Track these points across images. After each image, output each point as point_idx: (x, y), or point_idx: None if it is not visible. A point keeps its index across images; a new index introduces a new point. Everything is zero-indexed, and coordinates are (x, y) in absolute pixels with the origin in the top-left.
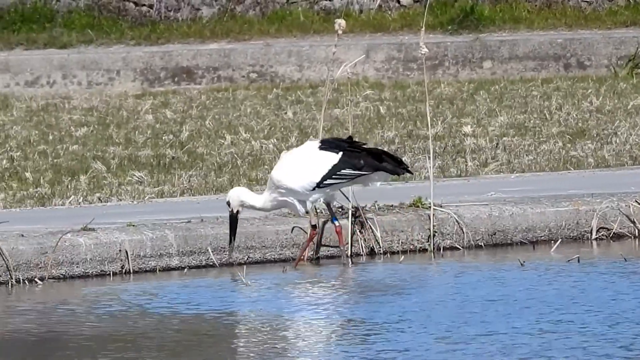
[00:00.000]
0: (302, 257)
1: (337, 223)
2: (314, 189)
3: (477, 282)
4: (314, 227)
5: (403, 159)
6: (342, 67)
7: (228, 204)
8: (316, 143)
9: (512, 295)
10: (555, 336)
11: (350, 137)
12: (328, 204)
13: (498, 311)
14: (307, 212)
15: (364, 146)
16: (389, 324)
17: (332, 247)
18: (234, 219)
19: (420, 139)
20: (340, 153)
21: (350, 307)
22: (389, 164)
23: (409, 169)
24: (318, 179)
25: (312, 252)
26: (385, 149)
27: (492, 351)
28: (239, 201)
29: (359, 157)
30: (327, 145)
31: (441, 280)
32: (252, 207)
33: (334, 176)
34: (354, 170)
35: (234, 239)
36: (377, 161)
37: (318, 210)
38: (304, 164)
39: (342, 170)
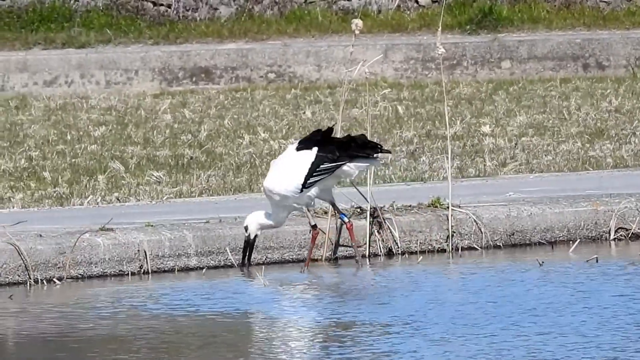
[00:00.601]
0: (310, 259)
1: (346, 219)
2: (301, 190)
3: (494, 283)
4: (313, 227)
5: (373, 142)
6: (359, 66)
7: (246, 229)
8: (294, 145)
9: (528, 295)
10: (570, 339)
11: (328, 130)
12: (331, 203)
13: (509, 311)
14: (307, 211)
15: (336, 137)
16: (398, 325)
17: (350, 247)
18: (250, 244)
19: (439, 139)
20: (315, 149)
21: (365, 308)
22: (360, 150)
23: (384, 149)
24: (302, 180)
25: (330, 252)
26: (403, 149)
27: (496, 351)
28: (257, 225)
29: (333, 150)
30: (303, 144)
31: (457, 281)
32: (271, 227)
33: (315, 173)
34: (331, 162)
35: (249, 260)
36: (350, 149)
37: (336, 211)
38: (287, 168)
39: (321, 165)
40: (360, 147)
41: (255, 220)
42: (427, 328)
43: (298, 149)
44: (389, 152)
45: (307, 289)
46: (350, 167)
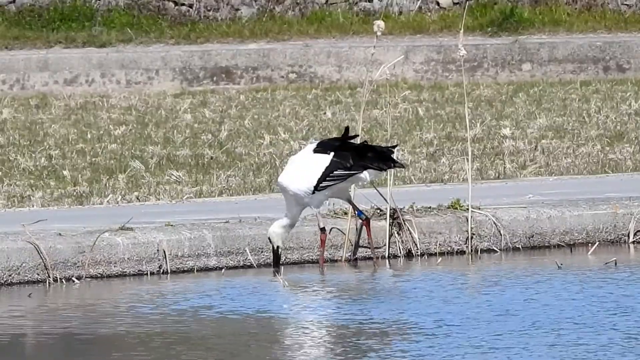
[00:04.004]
0: (324, 260)
1: (363, 217)
2: (313, 192)
3: (510, 286)
4: (322, 230)
5: (392, 151)
6: (381, 68)
7: (269, 240)
8: (313, 146)
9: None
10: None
11: (345, 134)
12: (348, 201)
13: (526, 315)
14: (318, 213)
15: (353, 144)
16: (416, 327)
17: (369, 247)
18: (276, 255)
19: (459, 140)
20: (332, 154)
21: (383, 309)
22: (375, 161)
23: (398, 162)
24: (315, 182)
25: (349, 253)
26: (423, 151)
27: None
28: (278, 236)
29: (348, 157)
30: (321, 147)
31: (475, 283)
32: (288, 228)
33: (327, 178)
34: (344, 170)
35: (277, 268)
36: (364, 159)
37: (354, 209)
38: (302, 168)
39: (335, 172)
40: (374, 159)
41: (274, 231)
42: (447, 329)
43: (315, 150)
44: (402, 166)
45: (325, 289)
46: (364, 175)
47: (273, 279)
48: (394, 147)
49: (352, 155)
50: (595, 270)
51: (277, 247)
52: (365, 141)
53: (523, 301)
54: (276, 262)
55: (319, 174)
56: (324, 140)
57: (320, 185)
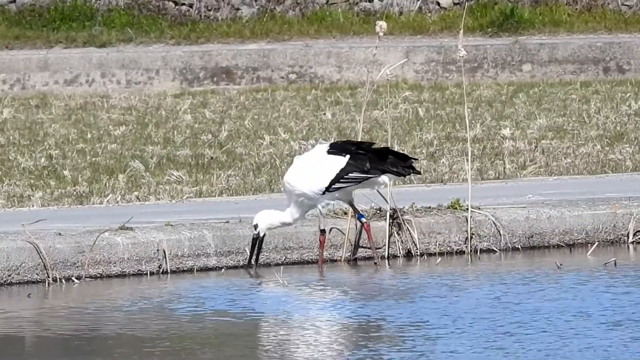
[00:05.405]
0: (323, 261)
1: (363, 220)
2: (323, 192)
3: (509, 286)
4: (322, 232)
5: (411, 157)
6: (383, 70)
7: (255, 227)
8: (325, 147)
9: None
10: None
11: (366, 143)
12: (350, 204)
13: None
14: (320, 214)
15: (371, 147)
16: (417, 326)
17: (369, 248)
18: (258, 241)
19: (459, 141)
20: (348, 156)
21: (383, 308)
22: (394, 166)
23: (416, 169)
24: (327, 183)
25: (349, 253)
26: (423, 151)
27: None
28: (267, 224)
29: (365, 160)
30: (335, 149)
31: (474, 282)
32: (284, 224)
33: (341, 180)
34: (361, 173)
35: (256, 261)
36: (383, 163)
37: (355, 212)
38: (314, 168)
39: (350, 174)
40: (394, 163)
41: (263, 220)
42: (446, 329)
43: (329, 152)
44: (419, 173)
45: (325, 289)
46: (382, 179)
47: (272, 278)
48: (414, 158)
49: (370, 159)
50: (594, 270)
51: (263, 235)
52: (387, 147)
53: (521, 301)
54: (257, 253)
55: (332, 176)
56: (336, 142)
57: (333, 186)
